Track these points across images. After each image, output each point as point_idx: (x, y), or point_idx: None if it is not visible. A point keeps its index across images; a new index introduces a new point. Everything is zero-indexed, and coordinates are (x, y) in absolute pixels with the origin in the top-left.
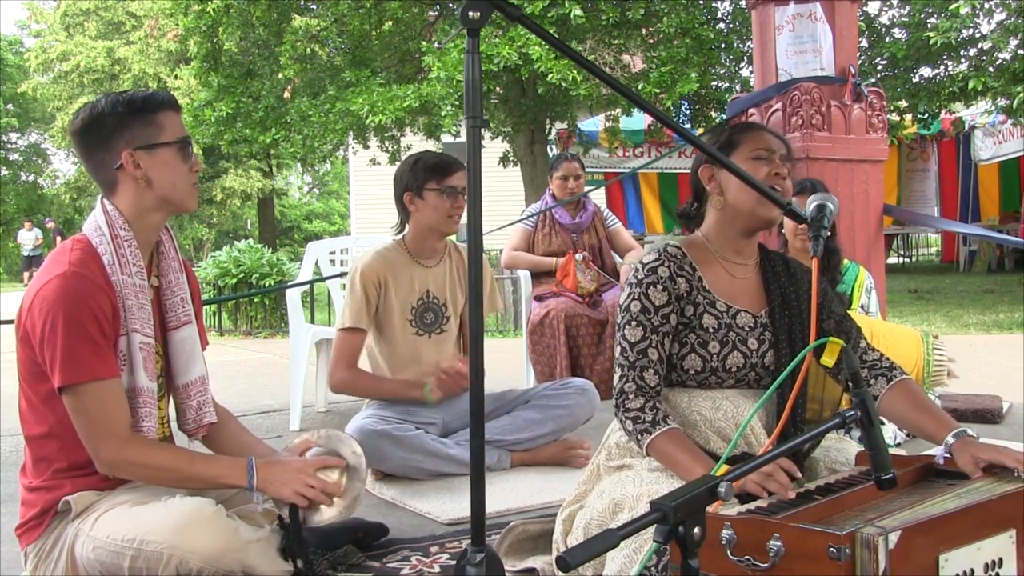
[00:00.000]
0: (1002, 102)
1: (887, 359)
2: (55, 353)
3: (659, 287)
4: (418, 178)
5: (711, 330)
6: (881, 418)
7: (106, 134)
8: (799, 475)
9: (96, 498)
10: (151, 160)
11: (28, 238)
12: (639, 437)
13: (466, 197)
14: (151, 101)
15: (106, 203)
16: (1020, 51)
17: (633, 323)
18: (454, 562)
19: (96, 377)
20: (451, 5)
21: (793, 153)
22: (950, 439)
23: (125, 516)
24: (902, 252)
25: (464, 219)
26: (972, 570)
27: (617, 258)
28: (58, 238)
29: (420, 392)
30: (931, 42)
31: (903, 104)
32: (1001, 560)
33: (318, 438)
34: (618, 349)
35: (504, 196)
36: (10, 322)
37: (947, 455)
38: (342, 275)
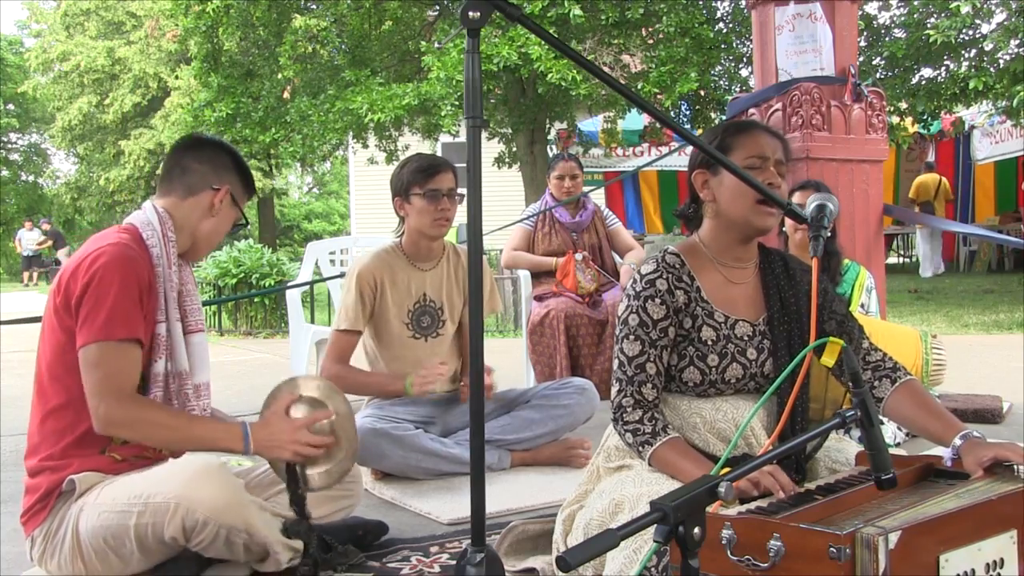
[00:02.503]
0: (1002, 103)
1: (891, 359)
2: (100, 308)
3: (657, 300)
4: (404, 183)
5: (710, 343)
6: (881, 418)
7: (222, 163)
8: (796, 490)
9: (100, 479)
10: (227, 209)
11: (30, 238)
12: (640, 449)
13: (455, 199)
14: (253, 183)
15: (157, 207)
16: (1020, 51)
17: (631, 337)
18: (454, 562)
19: (133, 337)
20: (451, 5)
21: (791, 151)
22: (957, 441)
23: (132, 480)
24: (902, 252)
25: (464, 220)
26: (973, 570)
27: (617, 258)
28: (52, 240)
29: (402, 384)
30: (931, 40)
31: (903, 105)
32: (1002, 560)
33: (292, 393)
34: (616, 363)
35: (504, 196)
36: (10, 322)
37: (955, 457)
38: (342, 275)
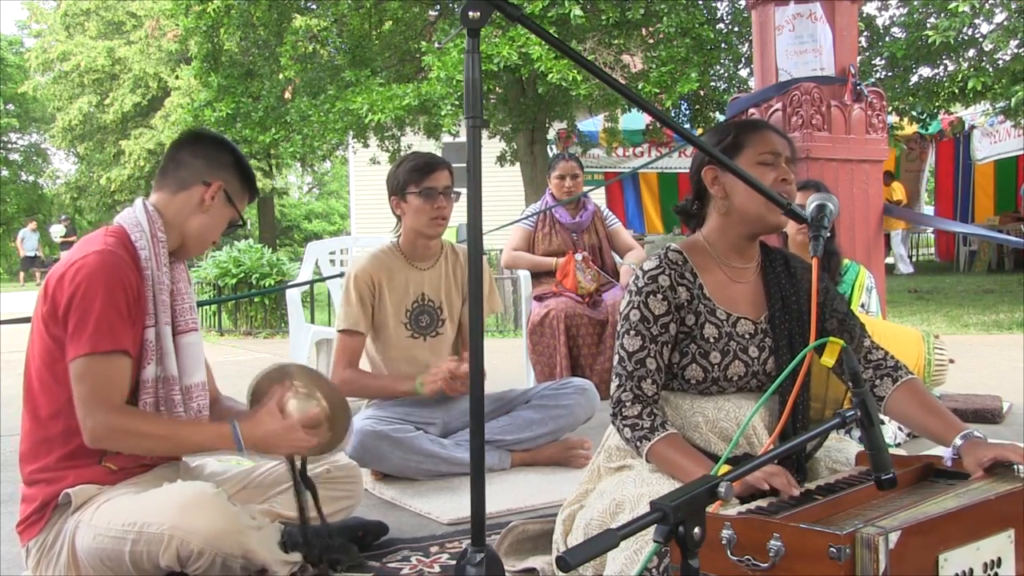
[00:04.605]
0: (1001, 103)
1: (892, 358)
2: (87, 320)
3: (659, 296)
4: (400, 181)
5: (712, 340)
6: (881, 418)
7: (219, 159)
8: (798, 492)
9: (96, 491)
10: (220, 206)
11: (33, 238)
12: (638, 444)
13: (451, 198)
14: (255, 184)
15: (148, 204)
16: (1020, 51)
17: (632, 332)
18: (454, 562)
19: (121, 348)
20: (451, 5)
21: (796, 152)
22: (958, 441)
23: (126, 503)
24: None
25: (463, 219)
26: (971, 570)
27: (617, 258)
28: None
29: (411, 385)
30: (930, 40)
31: (901, 105)
32: (1000, 560)
33: (282, 386)
34: (616, 358)
35: (504, 196)
36: (10, 322)
37: (955, 456)
38: (342, 275)
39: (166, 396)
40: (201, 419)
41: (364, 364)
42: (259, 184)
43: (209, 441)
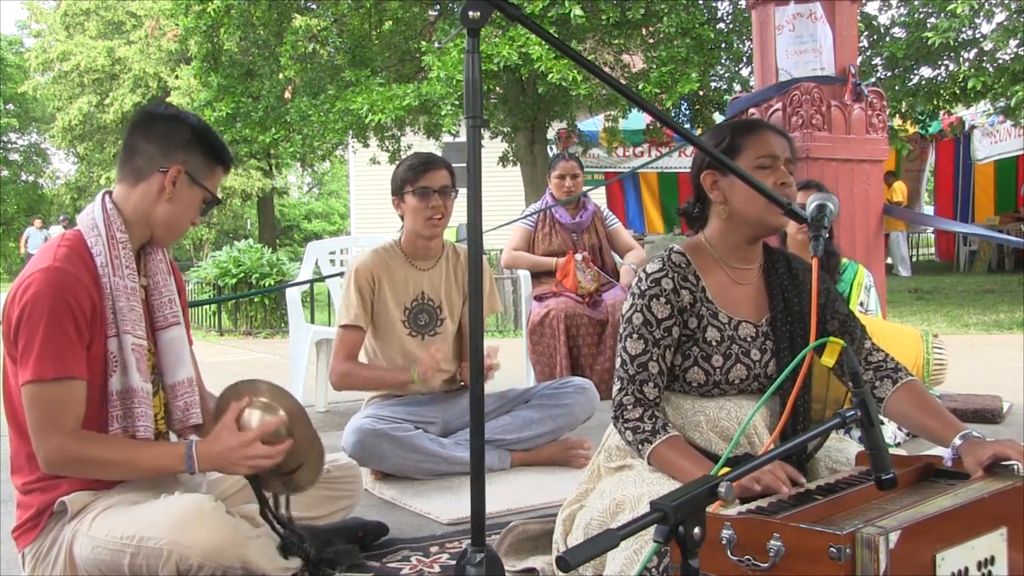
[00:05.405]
0: (1001, 103)
1: (892, 360)
2: (31, 346)
3: (662, 299)
4: (399, 181)
5: (714, 343)
6: (882, 418)
7: (175, 139)
8: (803, 481)
9: (92, 498)
10: (185, 190)
11: (38, 236)
12: (640, 447)
13: (449, 196)
14: (224, 154)
15: (107, 201)
16: (1020, 51)
17: (635, 335)
18: (454, 562)
19: (68, 375)
20: (451, 5)
21: (797, 150)
22: (957, 441)
23: (123, 514)
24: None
25: (463, 219)
26: (966, 568)
27: (617, 258)
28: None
29: (408, 375)
30: (929, 42)
31: (902, 106)
32: (993, 558)
33: (239, 400)
34: (619, 361)
35: (504, 196)
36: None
37: (955, 457)
38: (342, 275)
39: (128, 410)
40: (162, 441)
41: (362, 360)
42: (259, 184)
43: (168, 463)
